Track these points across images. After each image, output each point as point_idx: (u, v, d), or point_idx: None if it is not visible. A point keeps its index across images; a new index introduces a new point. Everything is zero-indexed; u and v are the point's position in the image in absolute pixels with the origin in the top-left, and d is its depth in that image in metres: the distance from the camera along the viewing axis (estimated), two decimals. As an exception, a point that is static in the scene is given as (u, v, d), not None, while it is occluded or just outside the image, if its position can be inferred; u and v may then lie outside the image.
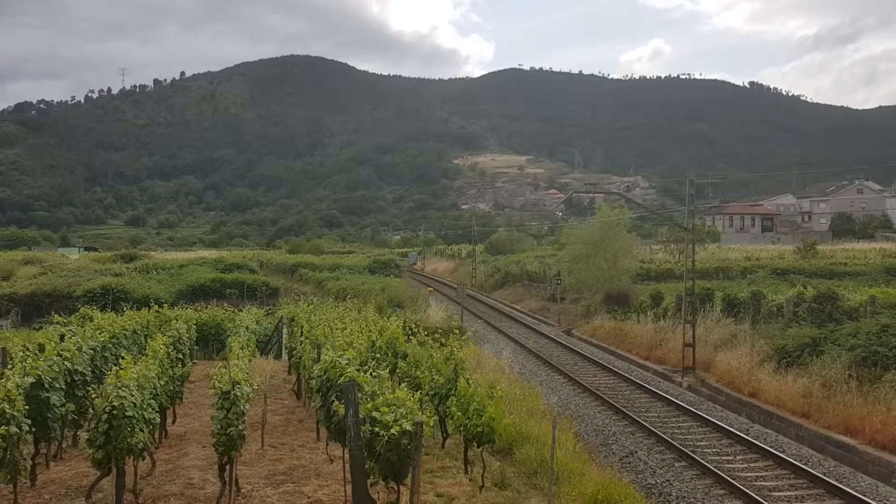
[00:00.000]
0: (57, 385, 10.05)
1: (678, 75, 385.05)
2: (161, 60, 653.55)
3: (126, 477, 8.87)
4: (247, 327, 19.22)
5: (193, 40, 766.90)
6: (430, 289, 51.34)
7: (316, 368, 10.85)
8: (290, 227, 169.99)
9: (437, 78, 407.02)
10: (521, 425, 14.26)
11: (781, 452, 16.06)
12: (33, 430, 8.74)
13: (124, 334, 15.55)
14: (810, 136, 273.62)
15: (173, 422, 14.07)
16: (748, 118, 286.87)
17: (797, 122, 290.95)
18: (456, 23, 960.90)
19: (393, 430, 7.44)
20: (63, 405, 10.15)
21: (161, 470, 10.99)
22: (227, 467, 9.04)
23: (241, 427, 8.87)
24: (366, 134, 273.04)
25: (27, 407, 8.44)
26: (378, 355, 14.02)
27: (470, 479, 11.10)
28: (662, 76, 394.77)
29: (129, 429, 8.39)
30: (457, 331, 13.90)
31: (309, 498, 10.02)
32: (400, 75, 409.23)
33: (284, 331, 23.34)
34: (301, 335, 16.32)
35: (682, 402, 21.17)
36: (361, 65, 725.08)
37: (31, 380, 9.22)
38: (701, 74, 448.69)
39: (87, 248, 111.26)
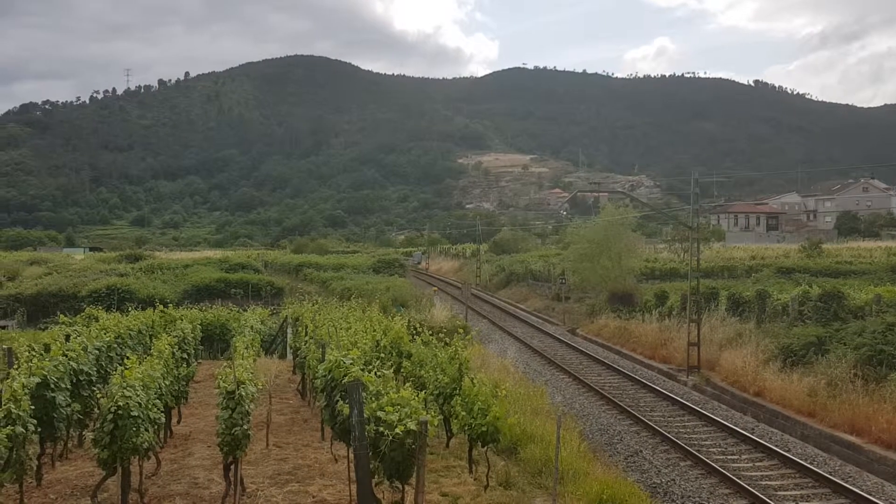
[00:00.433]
0: (62, 385, 10.08)
1: (683, 74, 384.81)
2: (166, 61, 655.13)
3: (131, 476, 8.89)
4: (251, 327, 19.25)
5: (198, 40, 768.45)
6: (435, 288, 51.36)
7: (320, 368, 10.86)
8: (294, 226, 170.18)
9: (441, 77, 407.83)
10: (526, 425, 14.25)
11: (787, 451, 16.02)
12: (39, 429, 8.76)
13: (129, 334, 15.59)
14: (815, 134, 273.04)
15: (178, 421, 14.09)
16: (753, 117, 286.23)
17: (802, 121, 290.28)
18: (460, 22, 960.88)
19: (397, 430, 7.44)
20: (69, 405, 10.17)
21: (166, 470, 11.01)
22: (232, 467, 9.06)
23: (245, 427, 8.88)
24: (370, 133, 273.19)
25: (33, 407, 8.47)
26: (382, 355, 14.02)
27: (474, 479, 11.09)
28: (667, 75, 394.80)
29: (134, 428, 8.41)
30: (461, 330, 13.92)
31: (314, 497, 10.03)
32: (404, 75, 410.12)
33: (289, 330, 23.36)
34: (305, 335, 16.33)
35: (687, 401, 21.14)
36: (366, 64, 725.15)
37: (37, 380, 9.25)
38: (706, 73, 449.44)
39: (92, 249, 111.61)
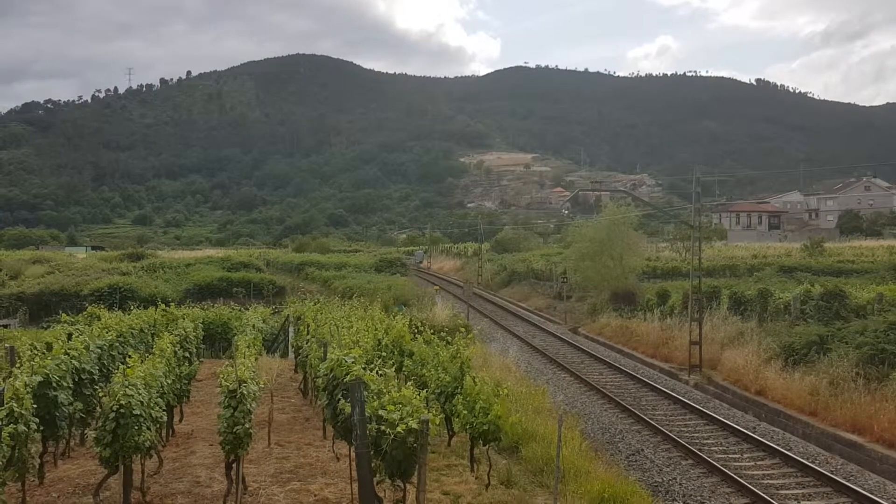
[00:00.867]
0: (65, 384, 10.09)
1: (685, 73, 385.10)
2: (168, 60, 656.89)
3: (133, 475, 8.91)
4: (253, 326, 19.26)
5: (200, 39, 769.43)
6: (436, 287, 51.33)
7: (322, 367, 10.87)
8: (296, 225, 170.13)
9: (443, 76, 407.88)
10: (528, 423, 14.25)
11: (788, 450, 16.01)
12: (41, 428, 8.77)
13: (131, 333, 15.60)
14: (818, 133, 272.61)
15: (180, 420, 14.11)
16: (755, 115, 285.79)
17: (804, 120, 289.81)
18: (462, 20, 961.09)
19: (399, 429, 7.45)
20: (71, 404, 10.18)
21: (168, 468, 11.03)
22: (234, 465, 9.07)
23: (247, 425, 8.90)
24: (372, 132, 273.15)
25: (35, 405, 8.48)
26: (384, 354, 14.04)
27: (476, 478, 11.10)
28: (669, 73, 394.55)
29: (136, 427, 8.42)
30: (463, 329, 13.93)
31: (315, 496, 10.04)
32: (406, 74, 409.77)
33: (291, 329, 23.37)
34: (307, 334, 16.34)
35: (689, 400, 21.13)
36: (368, 63, 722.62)
37: (39, 378, 9.26)
38: (708, 72, 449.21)
39: (94, 248, 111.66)
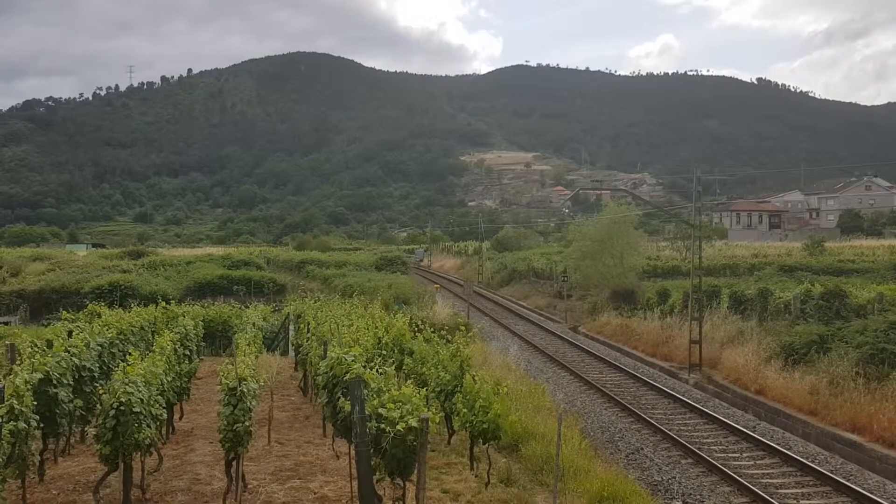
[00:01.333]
0: (65, 381, 10.10)
1: (686, 72, 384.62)
2: (169, 57, 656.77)
3: (133, 472, 8.91)
4: (253, 324, 19.28)
5: (201, 37, 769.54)
6: (437, 286, 51.33)
7: (322, 365, 10.88)
8: (296, 223, 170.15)
9: (444, 74, 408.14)
10: (527, 422, 14.26)
11: (788, 450, 16.02)
12: (41, 425, 8.77)
13: (132, 330, 15.61)
14: (819, 132, 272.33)
15: (180, 418, 14.13)
16: (756, 115, 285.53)
17: (805, 119, 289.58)
18: (464, 19, 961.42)
19: (399, 427, 7.46)
20: (71, 401, 10.19)
21: (168, 466, 11.04)
22: (234, 463, 9.08)
23: (247, 423, 8.91)
24: (373, 131, 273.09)
25: (35, 403, 8.48)
26: (384, 352, 14.05)
27: (476, 476, 11.11)
28: (670, 72, 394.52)
29: (136, 425, 8.43)
30: (463, 327, 13.93)
31: (315, 494, 10.05)
32: (407, 72, 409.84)
33: (291, 327, 23.38)
34: (307, 332, 16.36)
35: (689, 399, 21.14)
36: (368, 61, 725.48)
37: (40, 376, 9.26)
38: (709, 71, 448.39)
39: (94, 245, 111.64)
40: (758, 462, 15.60)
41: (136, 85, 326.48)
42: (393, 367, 10.06)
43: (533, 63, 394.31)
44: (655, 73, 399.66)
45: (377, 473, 7.92)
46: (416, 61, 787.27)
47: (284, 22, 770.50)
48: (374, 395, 8.29)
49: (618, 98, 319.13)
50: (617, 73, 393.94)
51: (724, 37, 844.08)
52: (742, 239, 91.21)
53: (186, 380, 13.61)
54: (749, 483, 13.74)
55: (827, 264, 45.89)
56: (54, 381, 9.73)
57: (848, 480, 14.01)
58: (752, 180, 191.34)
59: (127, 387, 8.53)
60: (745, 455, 16.08)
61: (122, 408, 8.33)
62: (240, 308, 26.69)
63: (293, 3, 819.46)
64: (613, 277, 38.57)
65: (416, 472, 7.65)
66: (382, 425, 7.65)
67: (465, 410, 10.75)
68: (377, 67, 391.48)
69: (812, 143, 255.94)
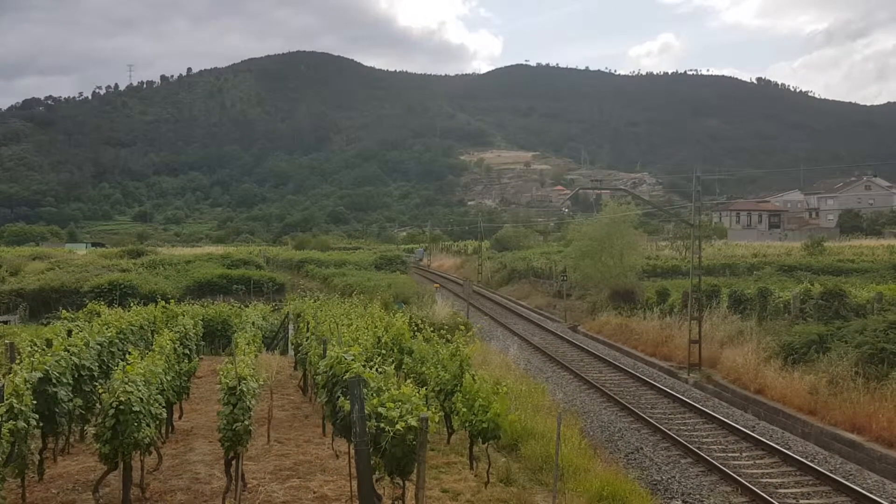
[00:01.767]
0: (64, 380, 10.10)
1: (685, 71, 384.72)
2: (168, 56, 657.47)
3: (133, 471, 8.91)
4: (253, 323, 19.28)
5: (201, 36, 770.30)
6: (436, 285, 51.34)
7: (322, 364, 10.88)
8: (296, 223, 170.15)
9: (443, 74, 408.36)
10: (527, 421, 14.27)
11: (787, 449, 16.02)
12: (41, 424, 8.78)
13: (131, 330, 15.61)
14: (818, 132, 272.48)
15: (180, 417, 14.13)
16: (756, 114, 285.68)
17: (805, 118, 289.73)
18: (464, 18, 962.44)
19: (398, 426, 7.46)
20: (70, 400, 10.19)
21: (168, 465, 11.04)
22: (234, 462, 9.08)
23: (247, 422, 8.90)
24: (372, 130, 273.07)
25: (35, 402, 8.48)
26: (384, 351, 14.05)
27: (475, 475, 11.12)
28: (670, 72, 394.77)
29: (135, 424, 8.43)
30: (462, 327, 13.92)
31: (315, 493, 10.05)
32: (407, 71, 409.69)
33: (290, 327, 23.38)
34: (307, 331, 16.35)
35: (688, 398, 21.14)
36: (368, 60, 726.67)
37: (39, 375, 9.26)
38: (709, 70, 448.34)
39: (94, 244, 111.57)
40: (757, 461, 15.61)
41: (135, 84, 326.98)
42: (392, 367, 10.06)
43: (533, 62, 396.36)
44: (655, 73, 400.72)
45: (377, 472, 7.92)
46: (416, 60, 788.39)
47: (285, 21, 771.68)
48: (374, 395, 8.29)
49: (617, 97, 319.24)
50: (617, 73, 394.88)
51: (725, 36, 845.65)
52: (741, 238, 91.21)
53: (186, 379, 13.60)
54: (748, 482, 13.75)
55: (826, 264, 45.88)
56: (54, 380, 9.73)
57: (847, 480, 14.02)
58: (751, 180, 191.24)
59: (126, 386, 8.53)
60: (744, 454, 16.08)
61: (121, 407, 8.33)
62: (239, 307, 26.71)
63: (293, 2, 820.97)
64: (613, 277, 38.55)
65: (415, 471, 7.66)
66: (382, 424, 7.65)
67: (464, 410, 10.75)
68: (377, 67, 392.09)
69: (812, 143, 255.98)
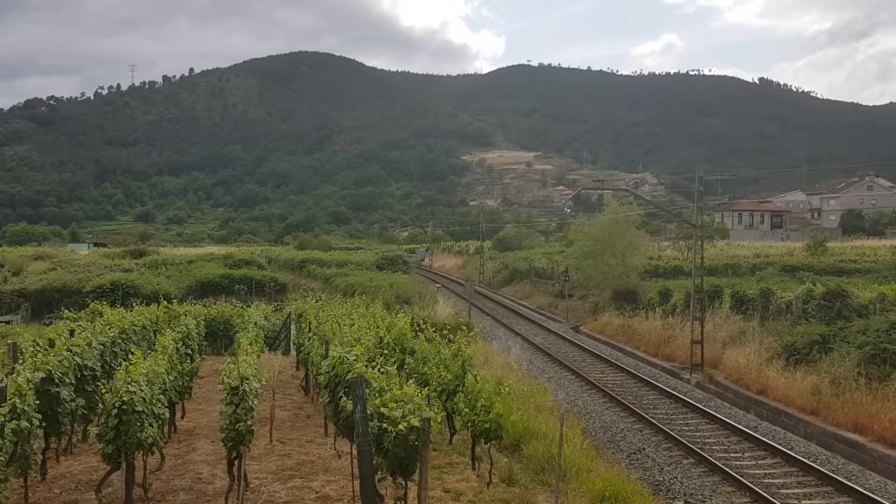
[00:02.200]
0: (67, 380, 10.12)
1: (688, 71, 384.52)
2: (171, 56, 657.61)
3: (135, 471, 8.93)
4: (255, 323, 19.29)
5: (203, 36, 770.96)
6: (438, 285, 51.33)
7: (324, 364, 10.88)
8: (298, 223, 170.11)
9: (446, 74, 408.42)
10: (529, 422, 14.25)
11: (790, 450, 16.01)
12: (44, 424, 8.79)
13: (134, 330, 15.63)
14: (821, 132, 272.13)
15: (182, 417, 14.13)
16: (758, 115, 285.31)
17: (808, 119, 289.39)
18: (467, 18, 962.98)
19: (401, 426, 7.46)
20: (73, 400, 10.21)
21: (170, 465, 11.05)
22: (236, 462, 9.08)
23: (249, 422, 8.91)
24: (374, 130, 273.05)
25: (38, 402, 8.50)
26: (386, 351, 14.06)
27: (477, 475, 11.11)
28: (672, 72, 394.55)
29: (138, 424, 8.44)
30: (464, 327, 13.92)
31: (317, 493, 10.05)
32: (409, 72, 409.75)
33: (293, 327, 23.39)
34: (309, 331, 16.36)
35: (690, 398, 21.13)
36: (370, 60, 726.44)
37: (42, 375, 9.28)
38: (711, 70, 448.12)
39: (96, 244, 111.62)
40: (759, 462, 15.59)
41: (137, 84, 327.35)
42: (394, 367, 10.06)
43: (535, 62, 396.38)
44: (658, 73, 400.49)
45: (379, 473, 7.92)
46: (418, 61, 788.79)
47: (286, 21, 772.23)
48: (376, 395, 8.30)
49: (620, 97, 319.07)
50: (619, 73, 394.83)
51: (727, 36, 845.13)
52: (744, 239, 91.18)
53: (188, 379, 13.61)
54: (751, 483, 13.74)
55: (829, 264, 45.84)
56: (56, 380, 9.75)
57: (849, 480, 14.01)
58: (754, 180, 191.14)
59: (129, 386, 8.54)
60: (746, 455, 16.07)
61: (124, 407, 8.34)
62: (241, 307, 26.72)
63: (295, 2, 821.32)
64: (615, 277, 38.54)
65: (417, 471, 7.66)
66: (384, 425, 7.65)
67: (466, 410, 10.75)
68: (379, 67, 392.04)
69: (814, 143, 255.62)
